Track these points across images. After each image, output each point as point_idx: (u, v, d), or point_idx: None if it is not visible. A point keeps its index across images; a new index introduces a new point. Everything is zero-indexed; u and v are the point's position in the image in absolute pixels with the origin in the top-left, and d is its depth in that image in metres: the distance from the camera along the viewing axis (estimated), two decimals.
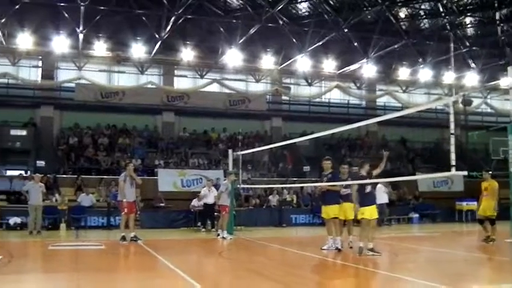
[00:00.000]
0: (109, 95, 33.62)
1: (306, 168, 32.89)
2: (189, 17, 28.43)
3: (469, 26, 33.32)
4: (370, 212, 14.23)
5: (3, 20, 26.93)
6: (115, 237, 18.71)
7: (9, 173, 28.97)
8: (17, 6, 26.21)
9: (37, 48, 30.12)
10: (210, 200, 23.49)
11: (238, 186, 22.64)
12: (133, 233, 18.05)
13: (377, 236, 15.73)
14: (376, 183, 15.91)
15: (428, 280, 10.54)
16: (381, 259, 13.81)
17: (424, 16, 32.23)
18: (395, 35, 31.47)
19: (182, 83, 36.27)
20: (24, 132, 31.89)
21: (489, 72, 37.33)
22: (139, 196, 21.67)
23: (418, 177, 30.64)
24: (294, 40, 31.29)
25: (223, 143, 34.20)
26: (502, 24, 32.33)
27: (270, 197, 28.59)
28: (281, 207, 28.14)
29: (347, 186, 15.52)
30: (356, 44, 32.12)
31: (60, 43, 29.52)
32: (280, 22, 29.93)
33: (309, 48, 31.34)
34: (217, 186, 23.45)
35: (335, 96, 39.19)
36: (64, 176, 28.63)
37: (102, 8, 27.25)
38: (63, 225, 23.61)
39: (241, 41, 30.40)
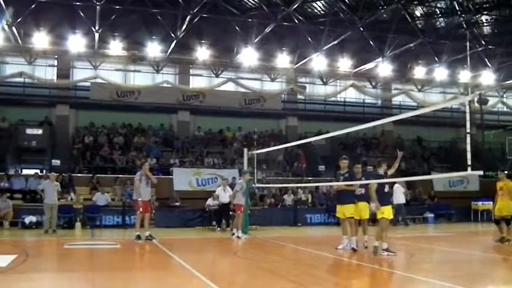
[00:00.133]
0: (124, 94, 33.70)
1: (321, 168, 32.85)
2: (205, 16, 28.40)
3: (485, 24, 33.05)
4: (388, 212, 14.18)
5: (19, 20, 27.01)
6: (130, 236, 18.75)
7: (25, 171, 29.03)
8: (33, 6, 26.28)
9: (53, 47, 30.20)
10: (225, 199, 23.55)
11: (253, 185, 22.62)
12: (148, 232, 18.08)
13: (392, 236, 15.70)
14: (392, 183, 15.86)
15: (444, 280, 10.48)
16: (396, 259, 13.75)
17: (440, 15, 32.00)
18: (411, 33, 31.29)
19: (198, 82, 36.28)
20: (40, 131, 31.96)
21: (505, 71, 37.08)
22: (154, 195, 21.68)
23: (434, 176, 30.50)
24: (309, 39, 31.17)
25: (239, 142, 34.18)
26: None
27: (285, 196, 28.54)
28: (296, 207, 28.09)
29: (361, 186, 15.48)
30: (371, 42, 31.95)
31: (76, 42, 29.59)
32: (296, 21, 29.81)
33: (325, 47, 31.24)
34: (232, 186, 23.44)
35: (351, 95, 39.06)
36: (79, 175, 28.71)
37: (118, 7, 27.27)
38: (78, 224, 23.75)
39: (256, 40, 30.36)
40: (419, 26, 32.17)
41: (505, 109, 42.01)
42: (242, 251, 17.12)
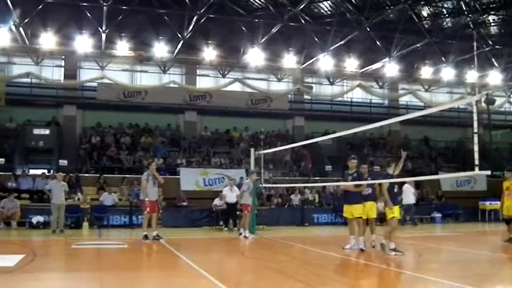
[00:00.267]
0: (131, 95, 33.76)
1: (328, 168, 32.83)
2: (211, 16, 28.39)
3: (492, 24, 32.96)
4: (397, 212, 14.16)
5: (26, 20, 27.07)
6: (137, 236, 18.77)
7: (32, 171, 29.09)
8: (40, 6, 26.34)
9: (60, 47, 30.25)
10: (232, 199, 23.58)
11: (260, 185, 22.61)
12: (155, 232, 18.11)
13: (400, 236, 15.67)
14: (401, 183, 15.84)
15: (452, 280, 10.46)
16: (404, 259, 13.73)
17: (447, 15, 31.92)
18: (418, 33, 31.23)
19: (205, 82, 36.32)
20: (47, 132, 32.04)
21: None
22: (161, 195, 21.69)
23: (441, 176, 30.45)
24: (316, 39, 31.14)
25: (245, 142, 34.19)
26: None
27: (292, 196, 28.52)
28: (303, 207, 28.08)
29: (368, 186, 15.47)
30: (378, 43, 31.89)
31: (83, 43, 29.61)
32: (303, 21, 29.78)
33: (331, 47, 31.20)
34: (240, 186, 23.45)
35: (357, 95, 39.03)
36: (86, 175, 28.77)
37: (125, 7, 27.30)
38: (85, 224, 23.79)
39: (263, 40, 30.34)
40: (426, 26, 32.11)
41: None
42: (249, 250, 17.12)
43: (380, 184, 14.92)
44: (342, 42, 30.73)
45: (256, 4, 30.48)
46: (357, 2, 29.73)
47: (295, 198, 28.40)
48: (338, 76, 37.37)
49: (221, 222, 24.65)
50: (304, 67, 34.36)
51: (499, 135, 37.04)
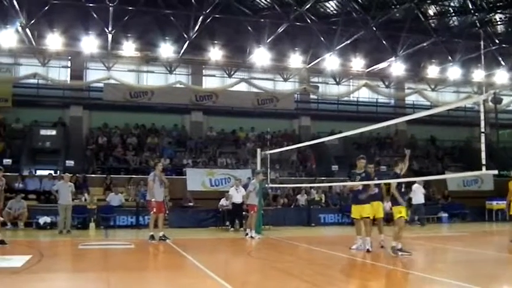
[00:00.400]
0: (137, 95, 33.81)
1: (335, 168, 32.81)
2: (217, 16, 28.38)
3: (498, 23, 32.87)
4: (405, 211, 14.10)
5: (33, 21, 27.12)
6: (144, 237, 18.80)
7: (39, 172, 29.19)
8: (46, 7, 26.39)
9: (66, 48, 30.28)
10: (238, 199, 23.58)
11: (267, 185, 22.59)
12: (161, 232, 18.15)
13: (408, 236, 15.64)
14: (408, 183, 15.81)
15: (459, 280, 10.44)
16: (411, 259, 13.68)
17: (453, 13, 31.86)
18: (424, 32, 31.15)
19: (211, 82, 36.34)
20: (53, 132, 32.12)
21: None
22: (167, 195, 21.72)
23: (448, 176, 30.39)
24: (322, 39, 31.09)
25: (252, 142, 34.18)
26: None
27: (298, 197, 28.49)
28: (309, 207, 28.03)
29: (374, 186, 15.45)
30: (384, 42, 31.82)
31: (89, 43, 29.62)
32: (309, 21, 29.76)
33: (338, 47, 31.14)
34: (246, 186, 23.44)
35: (364, 94, 39.00)
36: (93, 175, 28.83)
37: (131, 8, 27.33)
38: (92, 225, 23.86)
39: (269, 40, 30.30)
40: (432, 25, 32.06)
41: None
42: (256, 251, 17.13)
43: (386, 184, 14.90)
44: (348, 41, 30.66)
45: (262, 4, 30.49)
46: (363, 1, 29.72)
47: (302, 199, 28.37)
48: (344, 76, 37.34)
49: (227, 223, 24.66)
50: (310, 67, 34.32)
51: (506, 135, 36.92)
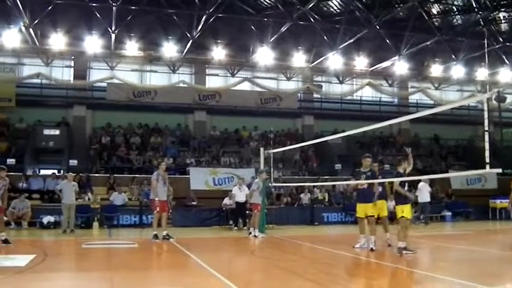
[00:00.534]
0: (141, 94, 33.84)
1: (338, 166, 32.78)
2: (220, 15, 28.30)
3: (502, 21, 32.78)
4: (408, 211, 14.05)
5: (36, 21, 27.14)
6: (147, 236, 18.83)
7: (43, 172, 29.19)
8: (49, 7, 26.41)
9: (70, 48, 30.31)
10: (241, 198, 23.60)
11: (270, 184, 22.60)
12: (165, 232, 18.17)
13: (412, 235, 15.61)
14: (412, 182, 15.80)
15: (463, 279, 10.44)
16: (414, 258, 13.68)
17: (457, 12, 31.77)
18: (428, 31, 31.07)
19: (214, 81, 36.36)
20: (57, 132, 32.18)
21: None
22: (171, 195, 21.73)
23: (452, 174, 30.37)
24: (325, 38, 31.05)
25: (255, 141, 34.16)
26: None
27: (302, 195, 28.49)
28: (313, 206, 28.03)
29: (378, 184, 15.45)
30: (387, 41, 31.76)
31: (92, 43, 29.61)
32: (312, 20, 29.70)
33: (341, 46, 31.07)
34: (250, 185, 23.43)
35: (367, 93, 38.98)
36: (97, 175, 28.83)
37: (134, 8, 27.31)
38: (96, 224, 23.87)
39: (272, 39, 30.26)
40: (436, 23, 31.96)
41: None
42: (259, 250, 17.14)
43: (389, 183, 14.89)
44: (352, 40, 30.60)
45: (265, 3, 30.44)
46: (366, 0, 29.65)
47: (305, 198, 28.37)
48: (348, 75, 37.35)
49: (230, 222, 24.70)
50: (313, 66, 34.31)
51: (510, 133, 36.83)
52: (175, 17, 28.86)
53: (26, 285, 10.30)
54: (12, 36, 28.08)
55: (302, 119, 37.94)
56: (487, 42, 29.56)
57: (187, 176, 29.08)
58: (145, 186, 26.04)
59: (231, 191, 25.31)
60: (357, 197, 16.33)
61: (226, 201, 25.19)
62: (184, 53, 31.78)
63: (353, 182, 18.08)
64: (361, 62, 34.04)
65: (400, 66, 34.12)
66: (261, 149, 22.55)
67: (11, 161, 26.97)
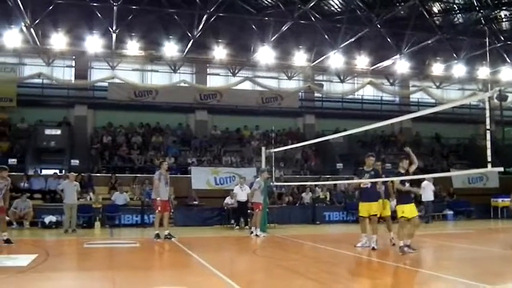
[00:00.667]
0: (142, 94, 33.86)
1: (339, 166, 32.77)
2: (221, 15, 28.30)
3: (504, 20, 32.76)
4: (409, 210, 13.96)
5: (37, 21, 27.15)
6: (149, 235, 18.83)
7: (44, 172, 29.23)
8: (50, 7, 26.41)
9: (71, 48, 30.35)
10: (242, 197, 23.60)
11: (271, 183, 22.59)
12: (167, 231, 18.16)
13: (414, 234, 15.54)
14: (418, 180, 15.79)
15: (465, 278, 10.42)
16: (416, 257, 13.66)
17: (458, 11, 31.74)
18: (429, 30, 31.04)
19: (215, 81, 36.37)
20: (58, 132, 32.20)
21: None
22: (172, 194, 21.70)
23: (454, 173, 30.31)
24: (326, 37, 31.05)
25: (256, 140, 34.16)
26: None
27: (303, 195, 28.48)
28: (314, 205, 28.00)
29: (383, 183, 15.44)
30: (389, 40, 31.75)
31: (93, 43, 29.63)
32: (313, 19, 29.69)
33: (342, 45, 31.06)
34: (251, 184, 23.42)
35: (368, 92, 38.96)
36: (98, 174, 28.86)
37: (134, 7, 27.32)
38: (97, 224, 23.88)
39: (273, 39, 30.27)
40: (437, 22, 31.93)
41: None
42: (261, 249, 17.13)
43: (392, 182, 14.88)
44: (353, 39, 30.59)
45: (266, 2, 30.43)
46: None
47: (307, 197, 28.36)
48: (349, 74, 37.38)
49: (232, 221, 24.67)
50: (314, 65, 34.34)
51: None
52: (176, 17, 28.88)
53: (28, 285, 10.30)
54: (13, 36, 28.15)
55: (303, 118, 37.94)
56: (488, 41, 29.58)
57: (189, 175, 29.09)
58: (147, 185, 26.07)
59: (232, 190, 25.29)
60: (360, 196, 16.27)
61: (228, 200, 25.18)
62: (185, 53, 31.81)
63: (355, 181, 18.09)
64: (362, 61, 34.04)
65: (401, 65, 34.13)
66: (263, 148, 22.56)
67: (12, 161, 26.96)
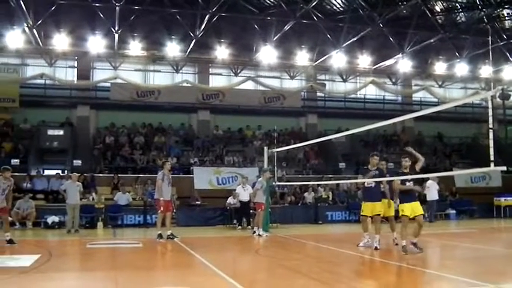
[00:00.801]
0: (144, 94, 33.86)
1: (342, 165, 32.76)
2: (223, 15, 28.29)
3: (506, 18, 32.71)
4: (411, 209, 13.91)
5: (39, 22, 27.15)
6: (151, 235, 18.86)
7: (47, 172, 29.27)
8: (53, 8, 26.42)
9: (73, 48, 30.32)
10: (244, 197, 23.61)
11: (274, 183, 22.58)
12: (169, 231, 18.20)
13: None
14: (421, 180, 15.77)
15: (468, 277, 10.40)
16: (419, 256, 13.63)
17: (460, 9, 31.69)
18: (431, 29, 30.98)
19: (217, 81, 36.35)
20: (61, 132, 32.24)
21: None
22: (175, 194, 21.72)
23: (456, 172, 30.33)
24: (328, 36, 31.03)
25: (258, 140, 34.17)
26: None
27: (306, 194, 28.46)
28: (317, 205, 27.98)
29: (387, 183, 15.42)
30: (391, 39, 31.71)
31: (96, 43, 29.61)
32: (315, 18, 29.67)
33: (344, 44, 31.03)
34: (253, 184, 23.41)
35: (371, 92, 38.91)
36: (101, 175, 28.89)
37: (137, 7, 27.33)
38: (100, 224, 23.91)
39: (275, 38, 30.24)
40: (439, 21, 31.85)
41: None
42: (263, 249, 17.12)
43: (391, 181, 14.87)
44: (355, 38, 30.54)
45: (268, 2, 30.41)
46: None
47: (309, 196, 28.34)
48: (351, 73, 37.33)
49: (234, 221, 24.68)
50: (317, 64, 34.28)
51: None
52: (178, 17, 28.88)
53: (31, 285, 10.32)
54: (16, 37, 28.19)
55: (306, 117, 37.94)
56: (491, 40, 29.51)
57: (191, 175, 29.08)
58: (149, 185, 26.05)
59: (234, 190, 25.31)
60: (364, 196, 16.24)
61: (230, 200, 25.18)
62: (187, 53, 31.79)
63: (359, 181, 18.09)
64: (364, 60, 34.00)
65: (404, 64, 34.08)
66: (265, 148, 22.60)
67: (15, 161, 27.03)
